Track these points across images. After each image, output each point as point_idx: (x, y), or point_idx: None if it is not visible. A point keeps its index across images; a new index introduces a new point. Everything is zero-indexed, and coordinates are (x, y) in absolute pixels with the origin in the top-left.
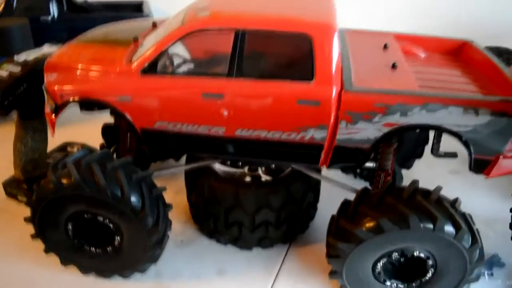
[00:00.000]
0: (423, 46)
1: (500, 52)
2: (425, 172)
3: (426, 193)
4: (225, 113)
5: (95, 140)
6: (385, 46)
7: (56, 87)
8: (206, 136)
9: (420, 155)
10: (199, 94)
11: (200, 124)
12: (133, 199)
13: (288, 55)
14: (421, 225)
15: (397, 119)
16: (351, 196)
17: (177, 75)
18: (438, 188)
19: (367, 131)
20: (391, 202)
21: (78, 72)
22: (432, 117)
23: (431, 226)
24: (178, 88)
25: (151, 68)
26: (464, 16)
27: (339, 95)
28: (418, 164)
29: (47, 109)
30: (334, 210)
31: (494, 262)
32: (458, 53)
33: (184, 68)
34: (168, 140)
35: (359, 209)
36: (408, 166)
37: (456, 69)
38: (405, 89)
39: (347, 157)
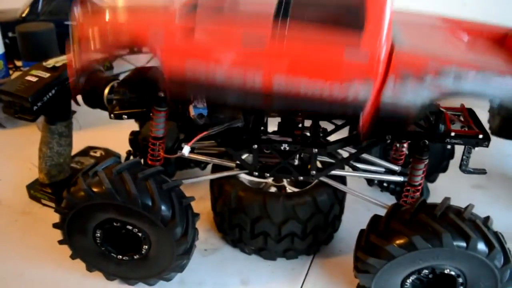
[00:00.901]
0: (466, 31)
1: None
2: (448, 186)
3: (459, 210)
4: (266, 59)
5: (117, 144)
6: (433, 25)
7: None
8: (240, 88)
9: (444, 169)
10: (240, 34)
11: (236, 68)
12: (164, 209)
13: (339, 1)
14: (454, 243)
15: (450, 84)
16: (374, 208)
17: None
18: (471, 206)
19: (415, 94)
20: (424, 219)
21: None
22: (487, 86)
23: (464, 244)
24: (218, 24)
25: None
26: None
27: (390, 49)
28: (440, 177)
29: None
30: (356, 221)
31: None
32: (502, 41)
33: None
34: (199, 91)
35: (391, 225)
36: (432, 180)
37: (499, 54)
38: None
39: (387, 125)
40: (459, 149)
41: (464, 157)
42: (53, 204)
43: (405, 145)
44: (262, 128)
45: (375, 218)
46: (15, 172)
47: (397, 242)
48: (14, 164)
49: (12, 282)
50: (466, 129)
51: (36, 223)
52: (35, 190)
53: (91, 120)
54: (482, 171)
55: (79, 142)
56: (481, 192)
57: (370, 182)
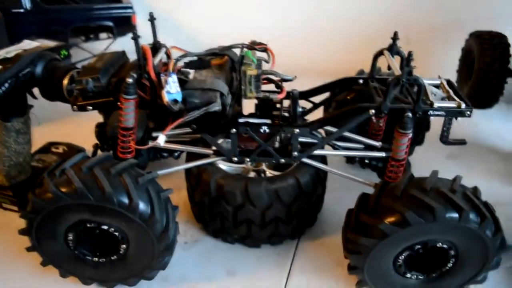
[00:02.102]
0: None
1: (492, 36)
2: (424, 158)
3: (448, 183)
4: None
5: (80, 139)
6: None
7: None
8: None
9: (421, 142)
10: None
11: None
12: (142, 205)
13: None
14: (447, 216)
15: None
16: (354, 186)
17: None
18: (459, 178)
19: None
20: (415, 194)
21: None
22: None
23: (457, 217)
24: None
25: None
26: None
27: None
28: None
29: None
30: (338, 201)
31: None
32: None
33: None
34: None
35: (381, 202)
36: (410, 153)
37: None
38: None
39: None
40: (434, 121)
41: (444, 128)
42: (15, 208)
43: (382, 119)
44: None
45: (364, 197)
46: None
47: (389, 219)
48: None
49: None
50: (447, 100)
51: (0, 230)
52: None
53: (50, 114)
54: (462, 142)
55: (38, 139)
56: (456, 163)
57: (350, 159)
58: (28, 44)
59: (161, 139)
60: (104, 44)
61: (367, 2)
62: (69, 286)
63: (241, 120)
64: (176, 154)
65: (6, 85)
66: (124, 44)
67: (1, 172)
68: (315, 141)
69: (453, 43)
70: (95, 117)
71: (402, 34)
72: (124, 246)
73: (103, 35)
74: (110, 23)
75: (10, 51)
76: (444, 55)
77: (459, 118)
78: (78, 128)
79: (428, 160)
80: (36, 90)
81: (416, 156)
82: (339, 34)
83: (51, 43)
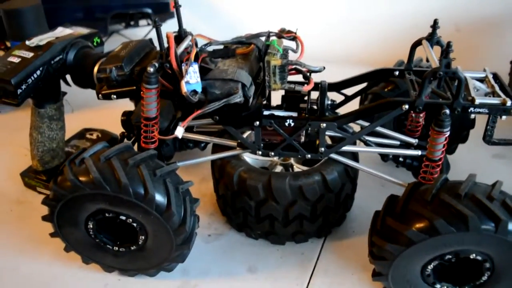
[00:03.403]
0: None
1: None
2: (467, 157)
3: (486, 189)
4: None
5: (115, 125)
6: None
7: None
8: None
9: (464, 139)
10: None
11: None
12: (158, 197)
13: None
14: (482, 226)
15: None
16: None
17: None
18: (499, 183)
19: None
20: (447, 200)
21: None
22: None
23: (493, 227)
24: None
25: None
26: None
27: None
28: (459, 147)
29: None
30: (370, 199)
31: None
32: None
33: None
34: None
35: (409, 206)
36: (451, 151)
37: None
38: None
39: None
40: (479, 118)
41: (488, 127)
42: (49, 192)
43: (422, 115)
44: (264, 102)
45: (392, 199)
46: (9, 159)
47: (417, 226)
48: (8, 151)
49: (6, 276)
50: (491, 96)
51: (31, 212)
52: (29, 178)
53: (85, 100)
54: (509, 142)
55: (74, 125)
56: (503, 162)
57: (384, 157)
58: (61, 31)
59: (179, 131)
60: (144, 31)
61: None
62: (92, 272)
63: (265, 113)
64: (202, 145)
65: (38, 72)
66: (164, 31)
67: (35, 157)
68: (345, 136)
69: (509, 32)
70: (128, 104)
71: (451, 22)
72: (142, 237)
73: (142, 22)
74: (149, 10)
75: (43, 39)
76: (498, 45)
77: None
78: (112, 115)
79: (472, 160)
80: (69, 78)
81: (459, 155)
82: (377, 21)
83: (84, 30)
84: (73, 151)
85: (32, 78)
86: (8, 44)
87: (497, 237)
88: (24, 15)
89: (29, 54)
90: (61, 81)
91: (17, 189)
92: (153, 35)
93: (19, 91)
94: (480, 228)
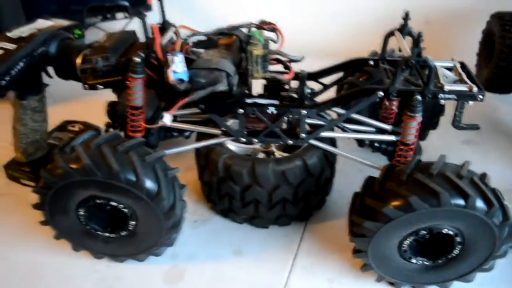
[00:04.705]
0: None
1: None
2: (438, 143)
3: (455, 168)
4: None
5: (96, 117)
6: None
7: None
8: None
9: (435, 126)
10: None
11: None
12: (148, 182)
13: None
14: (452, 202)
15: None
16: (366, 169)
17: None
18: (467, 163)
19: None
20: (420, 179)
21: None
22: None
23: (462, 203)
24: None
25: None
26: None
27: None
28: (430, 134)
29: None
30: (348, 183)
31: None
32: None
33: None
34: None
35: (386, 186)
36: (423, 137)
37: None
38: None
39: None
40: (448, 105)
41: (457, 112)
42: (33, 184)
43: (395, 102)
44: (246, 91)
45: (370, 180)
46: None
47: (394, 203)
48: None
49: None
50: (459, 83)
51: (17, 204)
52: (13, 170)
53: (66, 93)
54: (475, 127)
55: (55, 117)
56: (472, 148)
57: (360, 142)
58: (42, 23)
59: (167, 118)
60: (120, 24)
61: None
62: (81, 259)
63: (248, 101)
64: (186, 134)
65: (21, 63)
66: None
67: (19, 149)
68: (324, 123)
69: (476, 24)
70: (110, 96)
71: (422, 15)
72: (132, 222)
73: (119, 15)
74: (126, 3)
75: (25, 31)
76: (465, 37)
77: (474, 102)
78: (94, 107)
79: (442, 145)
80: (51, 69)
81: (430, 141)
82: (352, 13)
83: (64, 22)
84: (56, 143)
85: (16, 69)
86: None
87: (466, 212)
88: (1, 7)
89: (12, 46)
90: (43, 73)
91: (0, 182)
92: (132, 27)
93: (2, 82)
94: (451, 204)
